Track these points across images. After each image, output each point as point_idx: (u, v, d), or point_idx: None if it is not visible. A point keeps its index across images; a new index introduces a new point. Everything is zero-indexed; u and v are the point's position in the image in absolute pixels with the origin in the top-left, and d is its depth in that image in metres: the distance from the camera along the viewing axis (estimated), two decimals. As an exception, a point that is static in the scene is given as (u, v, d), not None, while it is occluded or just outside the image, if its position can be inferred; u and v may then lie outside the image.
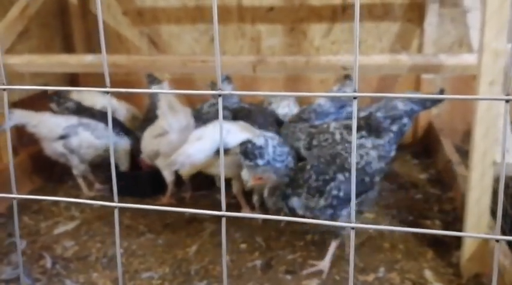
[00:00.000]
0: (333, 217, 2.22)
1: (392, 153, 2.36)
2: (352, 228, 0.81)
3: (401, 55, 2.54)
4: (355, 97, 0.79)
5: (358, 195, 2.24)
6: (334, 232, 2.29)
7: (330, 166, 2.24)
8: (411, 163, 3.50)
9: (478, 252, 2.17)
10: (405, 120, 2.46)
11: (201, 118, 3.02)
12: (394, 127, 2.40)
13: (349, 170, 2.20)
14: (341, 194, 2.17)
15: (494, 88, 2.05)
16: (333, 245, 2.29)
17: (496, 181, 2.14)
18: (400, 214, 2.77)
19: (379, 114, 2.62)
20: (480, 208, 2.12)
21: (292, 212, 2.20)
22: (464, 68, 2.38)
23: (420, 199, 2.96)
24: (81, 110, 3.22)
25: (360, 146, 2.31)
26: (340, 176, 2.20)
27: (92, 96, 3.42)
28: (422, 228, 2.59)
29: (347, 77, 2.90)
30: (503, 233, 2.36)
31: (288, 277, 2.26)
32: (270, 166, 2.37)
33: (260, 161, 2.40)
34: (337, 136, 2.59)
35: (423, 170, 3.35)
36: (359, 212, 2.33)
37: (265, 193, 2.24)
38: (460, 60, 2.38)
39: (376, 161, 2.25)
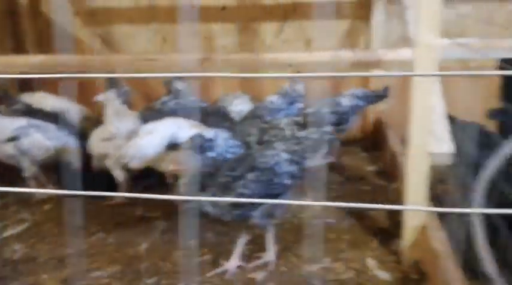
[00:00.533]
0: (244, 218, 2.18)
1: (309, 162, 2.28)
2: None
3: (342, 51, 2.61)
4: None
5: (268, 197, 2.17)
6: (264, 227, 2.29)
7: (240, 163, 2.19)
8: (360, 156, 3.60)
9: (418, 240, 2.26)
10: (328, 128, 2.38)
11: (153, 115, 3.03)
12: (315, 135, 2.32)
13: (259, 169, 2.17)
14: (248, 192, 2.11)
15: (428, 81, 2.14)
16: (269, 237, 2.32)
17: (432, 170, 2.23)
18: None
19: (324, 110, 2.69)
20: (417, 196, 2.21)
21: (200, 206, 2.14)
22: (402, 63, 2.46)
23: (367, 190, 3.06)
24: (31, 111, 3.19)
25: (273, 148, 2.29)
26: (249, 175, 2.15)
27: (41, 98, 3.40)
28: (369, 218, 2.68)
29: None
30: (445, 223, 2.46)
31: (235, 270, 2.30)
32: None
33: (211, 154, 2.42)
34: (287, 132, 2.65)
35: (371, 163, 3.45)
36: (270, 216, 2.26)
37: (184, 180, 2.18)
38: (397, 55, 2.46)
39: (286, 163, 2.21)
